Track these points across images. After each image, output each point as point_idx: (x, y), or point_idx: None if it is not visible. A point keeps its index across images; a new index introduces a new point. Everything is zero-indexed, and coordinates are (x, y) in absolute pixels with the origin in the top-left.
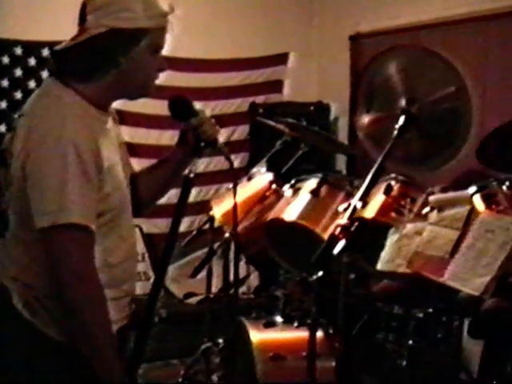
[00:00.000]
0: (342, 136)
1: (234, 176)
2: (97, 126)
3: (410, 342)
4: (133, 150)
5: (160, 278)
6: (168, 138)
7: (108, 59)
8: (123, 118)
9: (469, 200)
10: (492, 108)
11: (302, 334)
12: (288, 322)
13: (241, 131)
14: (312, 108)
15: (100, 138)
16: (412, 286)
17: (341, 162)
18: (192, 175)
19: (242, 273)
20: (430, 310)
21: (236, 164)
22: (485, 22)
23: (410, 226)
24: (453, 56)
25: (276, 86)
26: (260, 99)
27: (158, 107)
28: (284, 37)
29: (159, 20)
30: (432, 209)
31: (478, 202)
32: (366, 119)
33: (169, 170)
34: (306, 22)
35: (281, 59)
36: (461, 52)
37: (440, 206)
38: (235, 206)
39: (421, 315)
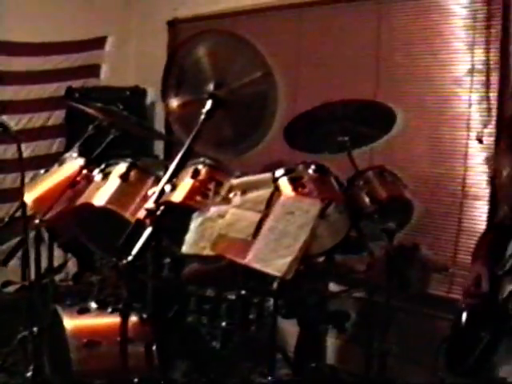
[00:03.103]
0: (160, 121)
1: (21, 166)
2: None
3: (223, 323)
4: None
5: None
6: None
7: None
8: None
9: (271, 183)
10: (305, 94)
11: (116, 319)
12: (102, 307)
13: (57, 116)
14: (128, 93)
15: None
16: (224, 269)
17: (159, 147)
18: None
19: (60, 260)
20: (243, 292)
21: (53, 149)
22: (299, 9)
23: (213, 209)
24: (261, 42)
25: (93, 70)
26: (77, 83)
27: None
28: (102, 21)
29: None
30: (236, 192)
31: (285, 185)
32: (175, 103)
33: None
34: (124, 6)
35: (98, 43)
36: (272, 38)
37: (243, 189)
38: (22, 194)
39: (233, 297)
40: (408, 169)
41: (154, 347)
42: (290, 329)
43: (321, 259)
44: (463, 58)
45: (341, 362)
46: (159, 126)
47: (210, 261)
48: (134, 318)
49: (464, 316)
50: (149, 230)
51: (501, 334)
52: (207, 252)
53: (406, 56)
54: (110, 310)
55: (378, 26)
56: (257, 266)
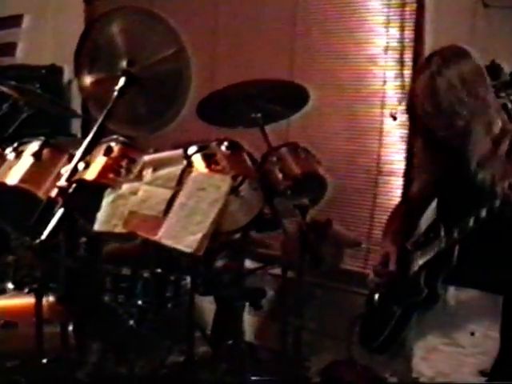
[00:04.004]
0: (77, 99)
1: None
2: None
3: (139, 302)
4: None
5: None
6: None
7: None
8: None
9: (183, 159)
10: (222, 71)
11: (32, 300)
12: (19, 288)
13: None
14: (44, 71)
15: None
16: (140, 247)
17: (76, 126)
18: None
19: None
20: (158, 270)
21: None
22: None
23: (125, 186)
24: (177, 20)
25: (9, 48)
26: None
27: None
28: None
29: None
30: (147, 169)
31: (198, 162)
32: (88, 80)
33: None
34: None
35: (14, 21)
36: (188, 16)
37: (155, 166)
38: None
39: (148, 275)
40: (324, 145)
41: (70, 327)
42: (207, 306)
43: (236, 236)
44: (378, 36)
45: (258, 338)
46: (76, 104)
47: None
48: (50, 299)
49: (374, 292)
50: (61, 209)
51: (412, 309)
52: (119, 229)
53: (321, 33)
54: (26, 290)
55: (295, 4)
56: (168, 242)
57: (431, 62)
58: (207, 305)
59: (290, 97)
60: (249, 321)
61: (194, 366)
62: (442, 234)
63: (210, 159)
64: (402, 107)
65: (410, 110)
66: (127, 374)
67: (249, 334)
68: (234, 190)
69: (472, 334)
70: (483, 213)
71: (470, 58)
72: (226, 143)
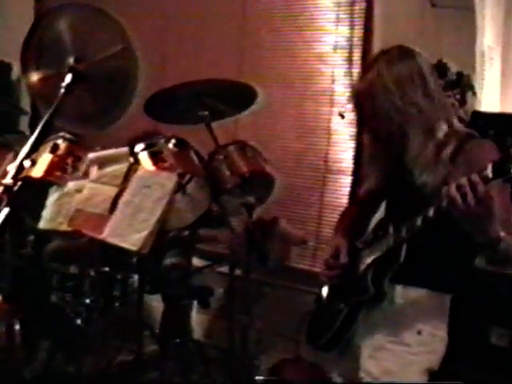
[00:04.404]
0: (26, 96)
1: None
2: None
3: (87, 300)
4: None
5: None
6: None
7: None
8: None
9: (129, 157)
10: (172, 69)
11: None
12: None
13: None
14: None
15: None
16: (88, 245)
17: (25, 123)
18: None
19: None
20: (106, 269)
21: None
22: None
23: (71, 184)
24: (126, 16)
25: None
26: None
27: None
28: None
29: None
30: (93, 166)
31: (145, 160)
32: (36, 77)
33: None
34: None
35: None
36: (138, 13)
37: (101, 164)
38: None
39: (95, 274)
40: (272, 143)
41: (17, 326)
42: (156, 305)
43: (184, 234)
44: (327, 35)
45: (206, 336)
46: (26, 101)
47: (71, 237)
48: None
49: (324, 289)
50: (7, 208)
51: (359, 307)
52: (64, 227)
53: (270, 32)
54: None
55: (244, 2)
56: (113, 240)
57: (377, 61)
58: (156, 303)
59: (238, 96)
60: (197, 319)
61: (142, 366)
62: (391, 232)
63: (156, 157)
64: (351, 105)
65: (356, 108)
66: (75, 373)
67: (198, 333)
68: (181, 188)
69: (419, 332)
70: (431, 212)
71: (413, 59)
72: (173, 140)
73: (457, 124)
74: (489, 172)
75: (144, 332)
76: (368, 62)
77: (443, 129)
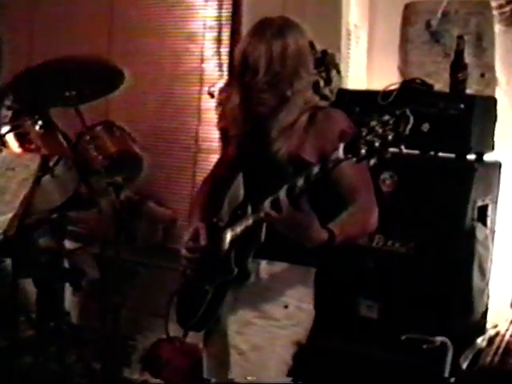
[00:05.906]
0: None
1: None
2: None
3: None
4: None
5: None
6: None
7: None
8: None
9: None
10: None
11: None
12: None
13: None
14: None
15: None
16: None
17: None
18: None
19: None
20: None
21: None
22: None
23: None
24: None
25: None
26: None
27: None
28: None
29: None
30: None
31: (12, 142)
32: None
33: None
34: None
35: None
36: None
37: None
38: None
39: None
40: (143, 124)
41: None
42: (31, 288)
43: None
44: (197, 14)
45: (81, 318)
46: None
47: None
48: None
49: (187, 271)
50: None
51: (224, 287)
52: None
53: (140, 10)
54: None
55: None
56: None
57: (265, 29)
58: (31, 286)
59: (105, 76)
60: (71, 301)
61: (18, 351)
62: (249, 212)
63: (23, 138)
64: (220, 85)
65: (237, 66)
66: None
67: (74, 316)
68: (48, 170)
69: (286, 306)
70: (300, 181)
71: (299, 32)
72: (40, 122)
73: (315, 99)
74: (340, 153)
75: (20, 317)
76: (256, 26)
77: (302, 99)
